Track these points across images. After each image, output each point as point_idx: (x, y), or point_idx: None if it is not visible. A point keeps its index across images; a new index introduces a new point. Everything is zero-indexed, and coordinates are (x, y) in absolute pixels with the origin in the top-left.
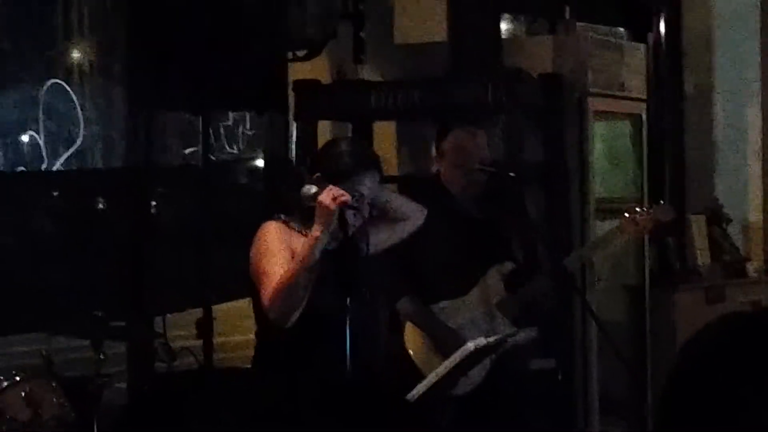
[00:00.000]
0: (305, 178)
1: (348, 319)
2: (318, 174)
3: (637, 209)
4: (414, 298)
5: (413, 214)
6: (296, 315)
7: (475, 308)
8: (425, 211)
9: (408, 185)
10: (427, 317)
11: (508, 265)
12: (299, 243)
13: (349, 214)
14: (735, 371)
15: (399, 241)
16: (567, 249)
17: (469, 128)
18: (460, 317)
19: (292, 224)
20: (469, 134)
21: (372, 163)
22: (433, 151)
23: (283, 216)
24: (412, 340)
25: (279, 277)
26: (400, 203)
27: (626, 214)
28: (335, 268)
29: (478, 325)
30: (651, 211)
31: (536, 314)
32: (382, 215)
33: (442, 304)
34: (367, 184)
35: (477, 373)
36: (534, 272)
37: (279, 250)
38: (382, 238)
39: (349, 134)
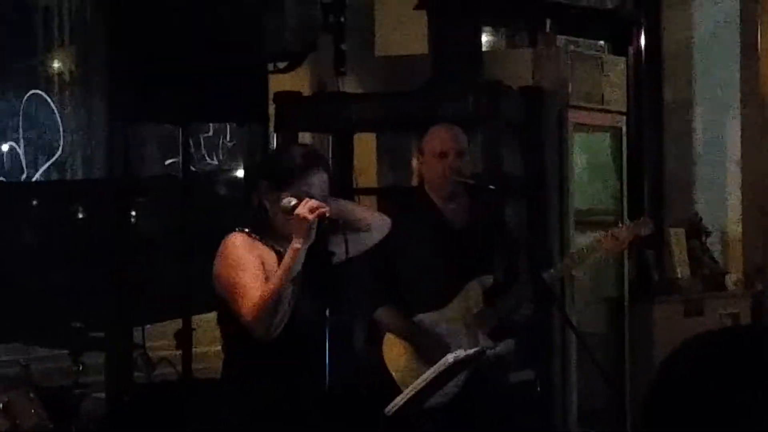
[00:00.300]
0: (258, 187)
1: (326, 329)
2: (266, 182)
3: (619, 225)
4: (393, 307)
5: (376, 225)
6: (281, 328)
7: (454, 320)
8: (389, 222)
9: (390, 196)
10: (407, 326)
11: (489, 278)
12: (266, 254)
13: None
14: (717, 385)
15: (362, 252)
16: (547, 261)
17: (447, 123)
18: (439, 329)
19: (254, 235)
20: (446, 125)
21: (317, 164)
22: (415, 161)
23: (245, 228)
24: (393, 351)
25: (261, 291)
26: (362, 213)
27: (604, 231)
28: (308, 277)
29: (456, 337)
30: (630, 225)
31: (515, 326)
32: (344, 226)
33: (421, 316)
34: (314, 185)
35: (452, 385)
36: (513, 284)
37: (251, 262)
38: (347, 249)
39: (330, 146)
